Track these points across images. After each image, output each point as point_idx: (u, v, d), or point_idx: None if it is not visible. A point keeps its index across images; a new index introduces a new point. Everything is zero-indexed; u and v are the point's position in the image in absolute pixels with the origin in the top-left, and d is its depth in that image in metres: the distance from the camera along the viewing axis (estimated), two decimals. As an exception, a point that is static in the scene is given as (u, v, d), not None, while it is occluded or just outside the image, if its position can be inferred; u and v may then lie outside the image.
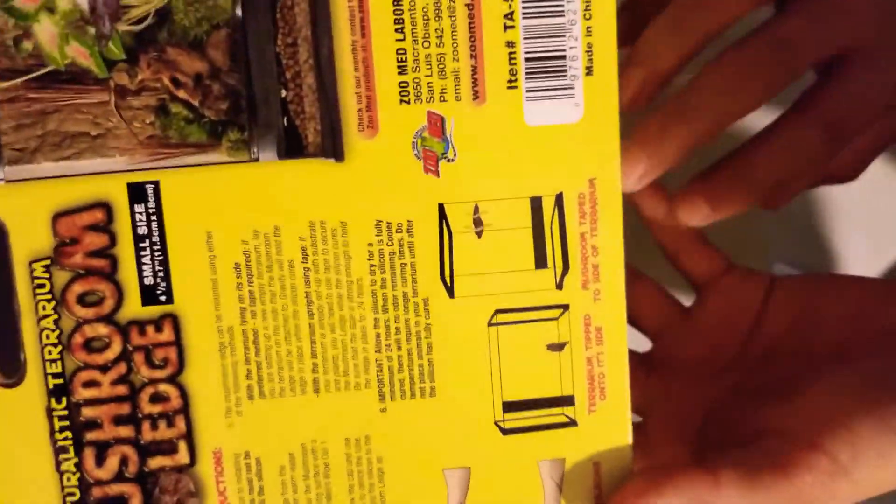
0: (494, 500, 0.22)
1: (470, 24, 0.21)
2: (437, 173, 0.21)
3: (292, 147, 0.21)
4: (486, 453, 0.22)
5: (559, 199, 0.22)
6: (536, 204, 0.22)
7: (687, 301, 0.28)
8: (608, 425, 0.22)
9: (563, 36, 0.22)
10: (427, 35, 0.21)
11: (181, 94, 0.20)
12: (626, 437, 0.23)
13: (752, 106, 0.23)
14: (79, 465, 0.21)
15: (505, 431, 0.22)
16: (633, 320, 0.27)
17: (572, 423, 0.23)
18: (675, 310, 0.27)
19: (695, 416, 0.25)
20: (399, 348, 0.22)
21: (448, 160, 0.21)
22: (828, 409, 0.21)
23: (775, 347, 0.25)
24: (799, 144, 0.24)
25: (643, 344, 0.28)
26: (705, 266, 0.26)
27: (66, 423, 0.21)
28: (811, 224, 0.32)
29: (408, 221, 0.21)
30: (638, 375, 0.25)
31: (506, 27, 0.21)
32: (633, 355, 0.26)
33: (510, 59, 0.21)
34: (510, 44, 0.21)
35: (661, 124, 0.23)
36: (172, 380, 0.21)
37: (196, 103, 0.20)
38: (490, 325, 0.22)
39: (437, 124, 0.21)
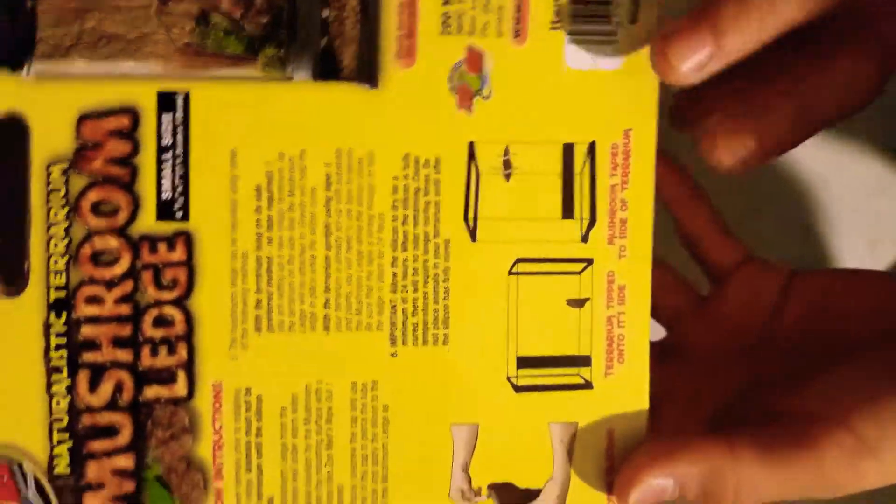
0: (501, 461, 0.22)
1: None
2: (470, 110, 0.22)
3: (328, 69, 0.21)
4: (496, 411, 0.22)
5: (592, 148, 0.22)
6: (568, 151, 0.22)
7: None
8: (624, 390, 0.22)
9: None
10: None
11: (224, 4, 0.21)
12: (643, 404, 0.22)
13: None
14: (71, 389, 0.21)
15: (517, 388, 0.22)
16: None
17: (587, 385, 0.23)
18: (692, 298, 0.27)
19: (711, 405, 0.25)
20: (415, 290, 0.22)
21: (483, 97, 0.22)
22: (853, 389, 0.21)
23: (793, 338, 0.25)
24: (857, 73, 0.22)
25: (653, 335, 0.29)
26: (727, 256, 0.26)
27: (63, 340, 0.21)
28: (812, 224, 0.33)
29: (436, 158, 0.22)
30: (651, 363, 0.25)
31: None
32: None
33: None
34: None
35: (741, 6, 0.20)
36: (179, 303, 0.21)
37: (237, 15, 0.21)
38: (510, 273, 0.22)
39: (476, 60, 0.22)
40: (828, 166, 0.32)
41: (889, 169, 0.33)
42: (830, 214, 0.33)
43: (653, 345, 0.27)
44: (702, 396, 0.25)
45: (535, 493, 0.22)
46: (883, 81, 0.23)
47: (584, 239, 0.22)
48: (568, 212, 0.22)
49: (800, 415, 0.22)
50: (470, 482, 0.22)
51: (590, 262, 0.22)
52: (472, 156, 0.22)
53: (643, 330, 0.23)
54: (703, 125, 0.24)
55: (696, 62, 0.20)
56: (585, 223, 0.22)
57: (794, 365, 0.24)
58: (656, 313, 0.27)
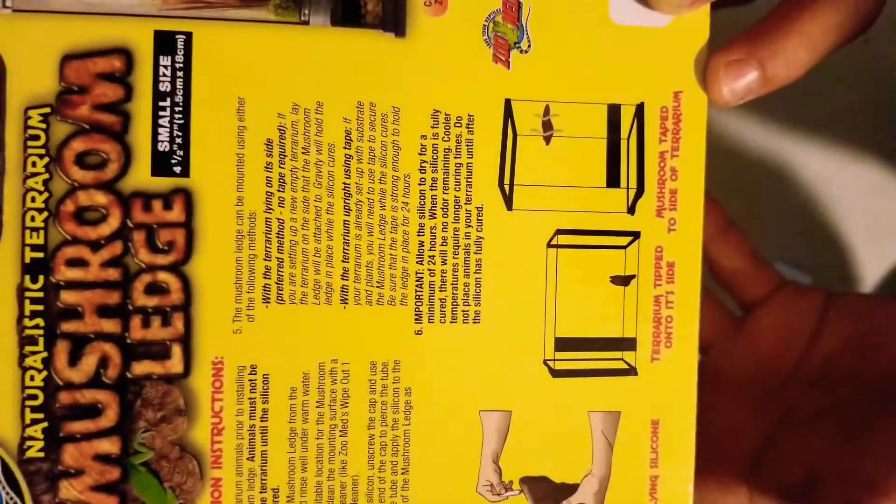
0: (535, 452, 0.20)
1: None
2: (507, 64, 0.19)
3: (349, 14, 0.19)
4: (531, 397, 0.20)
5: (639, 111, 0.20)
6: (614, 113, 0.20)
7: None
8: (672, 378, 0.20)
9: None
10: None
11: (228, -63, 0.18)
12: (691, 393, 0.20)
13: None
14: (47, 362, 0.18)
15: (554, 373, 0.20)
16: None
17: (632, 370, 0.20)
18: (728, 321, 0.26)
19: (745, 438, 0.24)
20: (444, 262, 0.19)
21: (521, 51, 0.19)
22: (891, 450, 0.20)
23: (831, 370, 0.24)
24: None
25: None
26: (763, 287, 0.26)
27: (40, 307, 0.18)
28: (812, 224, 0.33)
29: (468, 115, 0.19)
30: None
31: None
32: None
33: None
34: None
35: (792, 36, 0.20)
36: (175, 268, 0.18)
37: (245, -51, 0.18)
38: (549, 246, 0.20)
39: (513, 9, 0.19)
40: (828, 167, 0.32)
41: (890, 170, 0.33)
42: (831, 215, 0.33)
43: None
44: (737, 428, 0.24)
45: (573, 489, 0.20)
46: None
47: (631, 210, 0.20)
48: (614, 180, 0.20)
49: (838, 477, 0.20)
50: (500, 475, 0.20)
51: (637, 235, 0.20)
52: (508, 114, 0.19)
53: (693, 312, 0.20)
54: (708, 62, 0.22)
55: (744, 89, 0.19)
56: (632, 193, 0.20)
57: (833, 402, 0.23)
58: None
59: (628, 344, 0.20)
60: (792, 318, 0.25)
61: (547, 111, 0.19)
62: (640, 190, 0.20)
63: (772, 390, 0.24)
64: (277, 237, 0.19)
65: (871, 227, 0.32)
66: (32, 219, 0.18)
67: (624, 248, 0.20)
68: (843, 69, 0.31)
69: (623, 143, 0.20)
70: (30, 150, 0.18)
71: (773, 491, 0.22)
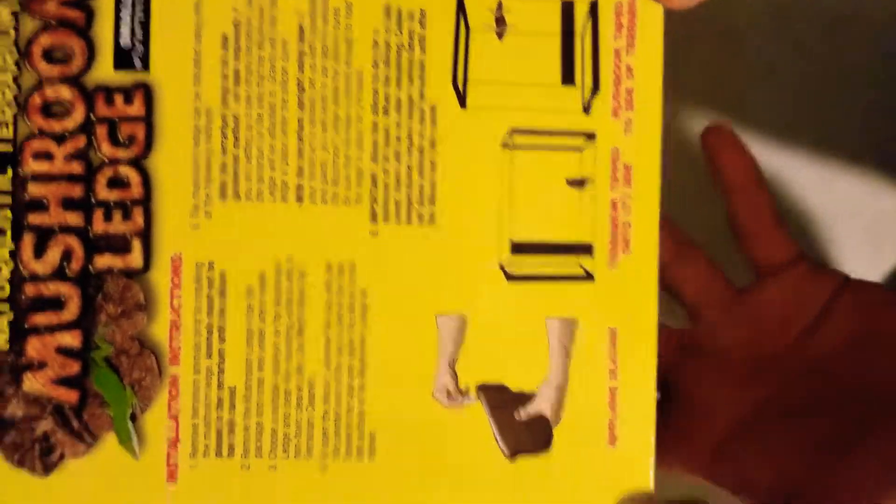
0: (491, 358, 0.20)
1: None
2: (460, -36, 0.20)
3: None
4: (487, 301, 0.19)
5: (594, 6, 0.20)
6: (568, 9, 0.20)
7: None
8: (630, 283, 0.20)
9: None
10: None
11: None
12: (651, 300, 0.20)
13: None
14: (14, 255, 0.19)
15: (510, 277, 0.20)
16: (676, 293, 0.24)
17: (588, 276, 0.20)
18: (726, 289, 0.24)
19: (728, 414, 0.22)
20: (398, 161, 0.20)
21: (474, -49, 0.20)
22: (886, 465, 0.19)
23: (828, 363, 0.22)
24: None
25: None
26: (779, 253, 0.23)
27: (8, 199, 0.19)
28: (813, 224, 0.32)
29: (420, 10, 0.19)
30: (668, 353, 0.22)
31: None
32: (666, 330, 0.23)
33: None
34: None
35: None
36: (136, 163, 0.19)
37: None
38: (504, 146, 0.20)
39: (465, -90, 0.20)
40: (829, 167, 0.32)
41: (888, 172, 0.33)
42: (832, 215, 0.32)
43: (674, 332, 0.24)
44: (722, 403, 0.22)
45: (529, 397, 0.20)
46: None
47: (587, 110, 0.20)
48: (568, 77, 0.20)
49: (829, 490, 0.19)
50: (457, 380, 0.20)
51: (592, 136, 0.20)
52: (461, 9, 0.19)
53: (652, 216, 0.20)
54: None
55: None
56: (588, 91, 0.20)
57: (826, 397, 0.21)
58: (683, 300, 0.24)
59: (585, 248, 0.20)
60: (799, 297, 0.23)
61: (500, 7, 0.20)
62: (596, 88, 0.20)
63: (758, 370, 0.22)
64: (233, 133, 0.19)
65: (870, 229, 0.32)
66: (3, 112, 0.19)
67: (580, 150, 0.20)
68: (843, 70, 0.31)
69: (578, 40, 0.20)
70: (0, 47, 0.19)
71: (730, 486, 0.21)
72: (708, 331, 0.23)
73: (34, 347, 0.19)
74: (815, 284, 0.23)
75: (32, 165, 0.19)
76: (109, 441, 0.18)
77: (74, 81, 0.19)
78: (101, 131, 0.19)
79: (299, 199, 0.19)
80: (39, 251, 0.19)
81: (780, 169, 0.31)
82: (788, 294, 0.23)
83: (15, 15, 0.18)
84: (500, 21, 0.19)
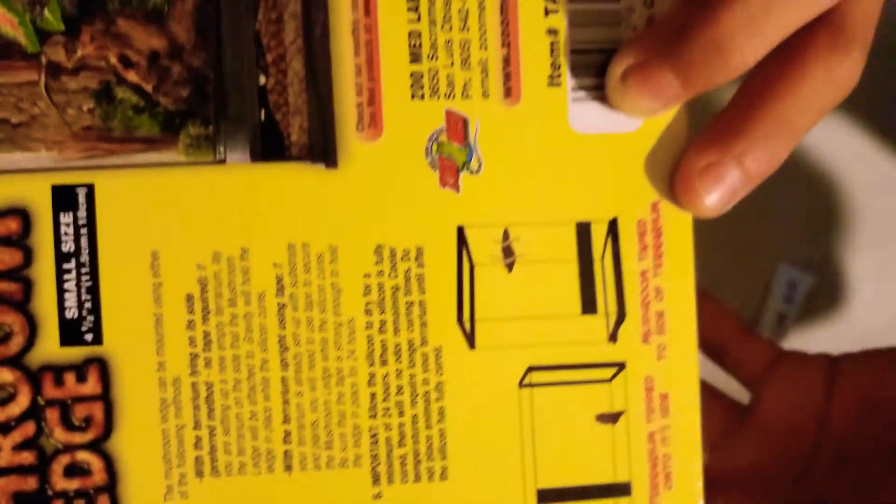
0: None
1: (502, 4, 0.17)
2: (456, 188, 0.17)
3: (270, 147, 0.16)
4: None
5: (613, 227, 0.17)
6: (584, 231, 0.17)
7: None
8: (675, 526, 0.18)
9: (619, 25, 0.18)
10: (448, 16, 0.17)
11: (131, 76, 0.16)
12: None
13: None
14: (-37, 561, 0.17)
15: (538, 531, 0.18)
16: None
17: (626, 521, 0.18)
18: (732, 413, 0.23)
19: None
20: (401, 414, 0.17)
21: (471, 172, 0.17)
22: None
23: (847, 450, 0.21)
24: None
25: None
26: (759, 360, 0.23)
27: (-50, 502, 0.16)
28: (815, 224, 0.32)
29: (417, 248, 0.17)
30: None
31: (547, 11, 0.17)
32: None
33: (552, 49, 0.18)
34: (552, 31, 0.18)
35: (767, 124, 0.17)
36: (96, 446, 0.16)
37: (149, 88, 0.16)
38: (521, 386, 0.17)
39: (459, 127, 0.17)
40: (836, 165, 0.31)
41: (891, 170, 0.32)
42: (839, 213, 0.32)
43: None
44: None
45: None
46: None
47: (613, 338, 0.17)
48: (589, 306, 0.17)
49: None
50: None
51: (622, 366, 0.17)
52: (462, 243, 0.17)
53: (694, 445, 0.17)
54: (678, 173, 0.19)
55: (729, 194, 0.16)
56: (613, 319, 0.17)
57: (853, 490, 0.20)
58: None
59: (622, 489, 0.17)
60: (799, 395, 0.22)
61: (506, 236, 0.17)
62: (622, 315, 0.17)
63: (793, 481, 0.22)
64: (206, 403, 0.16)
65: (877, 226, 0.32)
66: (-67, 404, 0.16)
67: (608, 381, 0.17)
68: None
69: (597, 265, 0.17)
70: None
71: None
72: (725, 461, 0.22)
73: None
74: (807, 377, 0.23)
75: (-26, 462, 0.16)
76: None
77: (16, 363, 0.16)
78: (52, 415, 0.16)
79: (288, 467, 0.16)
80: (-9, 557, 0.16)
81: (787, 167, 0.32)
82: (787, 397, 0.22)
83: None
84: (508, 251, 0.17)
